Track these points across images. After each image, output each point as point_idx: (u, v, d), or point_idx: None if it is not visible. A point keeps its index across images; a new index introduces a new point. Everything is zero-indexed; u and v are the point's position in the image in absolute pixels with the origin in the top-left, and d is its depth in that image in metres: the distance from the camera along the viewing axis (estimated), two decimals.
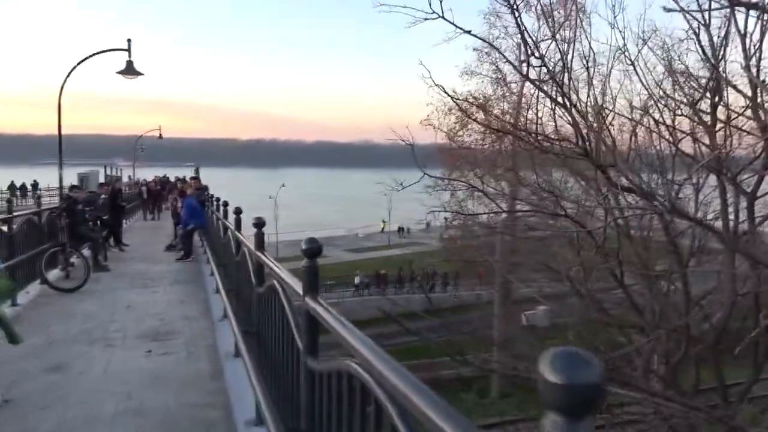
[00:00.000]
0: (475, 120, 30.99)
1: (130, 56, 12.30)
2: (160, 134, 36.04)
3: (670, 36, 9.50)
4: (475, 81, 30.21)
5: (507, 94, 30.02)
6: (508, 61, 16.43)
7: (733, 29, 7.51)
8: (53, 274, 9.34)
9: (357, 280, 41.67)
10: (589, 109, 9.26)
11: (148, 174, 29.50)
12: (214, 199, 11.65)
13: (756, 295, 8.12)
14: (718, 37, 7.94)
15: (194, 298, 8.27)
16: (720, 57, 7.98)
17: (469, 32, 9.50)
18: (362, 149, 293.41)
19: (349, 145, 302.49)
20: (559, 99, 9.06)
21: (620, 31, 9.00)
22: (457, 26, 9.27)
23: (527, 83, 29.70)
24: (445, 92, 11.50)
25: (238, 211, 6.36)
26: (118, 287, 9.07)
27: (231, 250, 6.00)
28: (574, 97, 9.24)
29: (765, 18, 7.15)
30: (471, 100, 30.53)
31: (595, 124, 9.11)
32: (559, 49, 9.50)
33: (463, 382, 29.22)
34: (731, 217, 8.54)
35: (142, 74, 12.71)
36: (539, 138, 9.73)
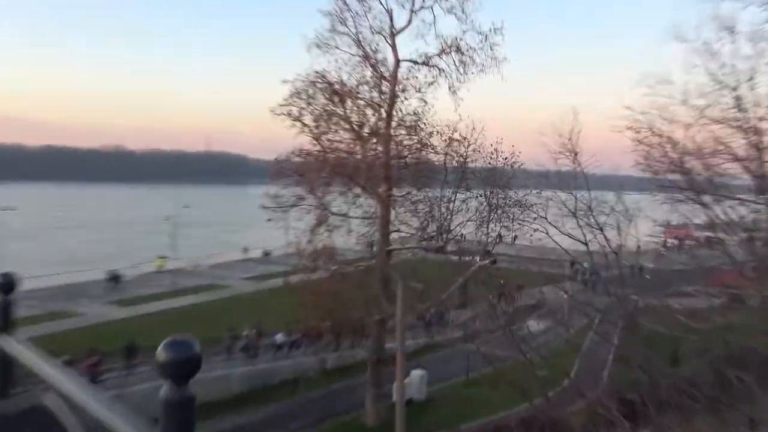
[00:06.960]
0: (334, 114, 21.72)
1: None
2: None
3: None
4: (327, 59, 21.49)
5: (374, 77, 22.02)
6: None
7: None
8: None
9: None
10: None
11: None
12: None
13: None
14: None
15: None
16: None
17: None
18: (112, 158, 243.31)
19: (94, 152, 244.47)
20: None
21: None
22: None
23: (402, 64, 21.49)
24: None
25: None
26: None
27: None
28: None
29: None
30: (326, 85, 21.84)
31: None
32: None
33: None
34: None
35: None
36: None
